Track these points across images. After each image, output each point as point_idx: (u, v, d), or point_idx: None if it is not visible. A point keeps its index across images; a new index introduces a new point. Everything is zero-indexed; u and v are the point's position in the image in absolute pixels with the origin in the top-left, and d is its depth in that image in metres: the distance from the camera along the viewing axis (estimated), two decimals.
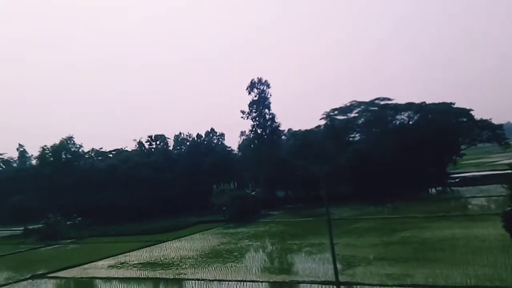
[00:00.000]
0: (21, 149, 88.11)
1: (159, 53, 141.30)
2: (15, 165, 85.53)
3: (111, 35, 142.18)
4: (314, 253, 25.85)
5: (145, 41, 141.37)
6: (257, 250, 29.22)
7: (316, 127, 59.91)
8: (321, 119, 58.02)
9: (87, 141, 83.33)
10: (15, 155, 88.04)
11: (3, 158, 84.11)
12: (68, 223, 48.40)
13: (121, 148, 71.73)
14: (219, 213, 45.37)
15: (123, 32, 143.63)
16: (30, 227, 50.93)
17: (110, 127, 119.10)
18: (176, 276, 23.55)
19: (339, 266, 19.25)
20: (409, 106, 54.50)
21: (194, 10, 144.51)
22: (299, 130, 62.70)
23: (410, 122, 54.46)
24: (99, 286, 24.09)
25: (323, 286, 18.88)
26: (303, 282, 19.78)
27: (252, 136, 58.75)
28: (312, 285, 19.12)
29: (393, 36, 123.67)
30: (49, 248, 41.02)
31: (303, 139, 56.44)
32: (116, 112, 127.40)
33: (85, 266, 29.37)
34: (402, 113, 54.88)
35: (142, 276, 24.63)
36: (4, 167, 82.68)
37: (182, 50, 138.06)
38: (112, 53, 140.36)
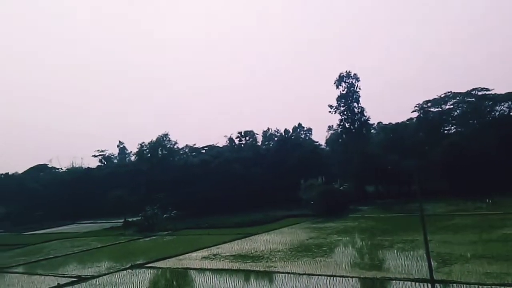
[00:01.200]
0: (121, 146, 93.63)
1: (245, 48, 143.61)
2: (115, 161, 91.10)
3: (199, 28, 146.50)
4: (406, 249, 25.07)
5: (229, 34, 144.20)
6: (346, 245, 28.90)
7: (408, 120, 57.92)
8: (413, 111, 55.99)
9: (182, 138, 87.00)
10: (115, 151, 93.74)
11: (104, 155, 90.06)
12: (164, 215, 50.87)
13: (213, 144, 74.12)
14: (306, 207, 45.38)
15: (207, 25, 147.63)
16: (130, 219, 54.22)
17: (203, 124, 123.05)
18: (266, 269, 23.92)
19: (433, 263, 18.53)
20: (510, 96, 50.92)
21: (281, 2, 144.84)
22: (389, 123, 60.97)
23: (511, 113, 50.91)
24: (193, 276, 25.02)
25: (417, 284, 18.25)
26: (396, 279, 19.21)
27: (340, 131, 58.12)
28: (405, 282, 18.56)
29: (487, 17, 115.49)
30: (147, 240, 43.35)
31: (394, 133, 54.81)
32: (207, 109, 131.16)
33: (180, 257, 30.64)
34: (502, 103, 51.42)
35: (234, 268, 25.28)
36: (106, 163, 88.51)
37: (269, 44, 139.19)
38: (198, 49, 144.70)
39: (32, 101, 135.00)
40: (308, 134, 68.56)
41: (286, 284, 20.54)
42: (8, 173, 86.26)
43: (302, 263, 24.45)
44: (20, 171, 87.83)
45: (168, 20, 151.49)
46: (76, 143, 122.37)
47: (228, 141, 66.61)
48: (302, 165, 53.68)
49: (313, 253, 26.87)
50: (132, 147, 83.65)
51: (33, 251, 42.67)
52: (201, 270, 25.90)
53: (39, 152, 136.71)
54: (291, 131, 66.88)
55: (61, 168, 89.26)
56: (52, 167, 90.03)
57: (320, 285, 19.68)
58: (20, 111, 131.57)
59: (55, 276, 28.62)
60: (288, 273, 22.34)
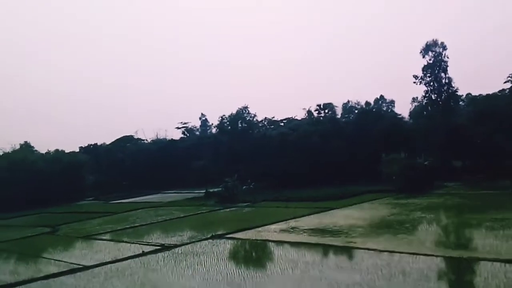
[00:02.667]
0: (203, 118, 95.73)
1: (323, 17, 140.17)
2: (197, 133, 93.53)
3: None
4: (496, 229, 23.50)
5: (305, 2, 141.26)
6: (430, 222, 27.59)
7: (500, 91, 53.83)
8: (505, 82, 51.86)
9: (261, 110, 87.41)
10: (197, 123, 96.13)
11: (187, 127, 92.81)
12: (243, 187, 51.65)
13: (291, 117, 73.72)
14: (388, 182, 43.96)
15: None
16: (211, 190, 55.62)
17: (281, 96, 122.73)
18: (346, 244, 23.46)
19: None
20: None
21: None
22: (480, 95, 57.12)
23: None
24: (272, 248, 25.16)
25: (507, 264, 16.99)
26: (484, 259, 18.03)
27: (425, 103, 55.33)
28: (494, 263, 17.36)
29: None
30: (227, 211, 44.24)
31: (484, 105, 51.25)
32: (285, 81, 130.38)
33: (259, 229, 30.87)
34: None
35: (312, 242, 25.05)
36: (188, 135, 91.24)
37: (349, 11, 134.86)
38: (274, 18, 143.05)
39: (119, 77, 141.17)
40: (390, 106, 66.02)
41: (366, 261, 20.00)
42: (96, 143, 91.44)
43: (383, 239, 23.72)
44: (107, 142, 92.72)
45: None
46: (161, 116, 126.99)
47: (306, 114, 65.81)
48: (383, 139, 51.88)
49: (394, 230, 25.99)
50: (214, 120, 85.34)
51: (119, 219, 45.02)
52: (280, 242, 25.94)
53: (127, 123, 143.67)
54: (372, 103, 64.89)
55: (146, 140, 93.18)
56: (138, 138, 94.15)
57: (402, 263, 18.95)
58: (109, 86, 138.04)
59: (140, 243, 29.96)
60: (368, 249, 21.74)
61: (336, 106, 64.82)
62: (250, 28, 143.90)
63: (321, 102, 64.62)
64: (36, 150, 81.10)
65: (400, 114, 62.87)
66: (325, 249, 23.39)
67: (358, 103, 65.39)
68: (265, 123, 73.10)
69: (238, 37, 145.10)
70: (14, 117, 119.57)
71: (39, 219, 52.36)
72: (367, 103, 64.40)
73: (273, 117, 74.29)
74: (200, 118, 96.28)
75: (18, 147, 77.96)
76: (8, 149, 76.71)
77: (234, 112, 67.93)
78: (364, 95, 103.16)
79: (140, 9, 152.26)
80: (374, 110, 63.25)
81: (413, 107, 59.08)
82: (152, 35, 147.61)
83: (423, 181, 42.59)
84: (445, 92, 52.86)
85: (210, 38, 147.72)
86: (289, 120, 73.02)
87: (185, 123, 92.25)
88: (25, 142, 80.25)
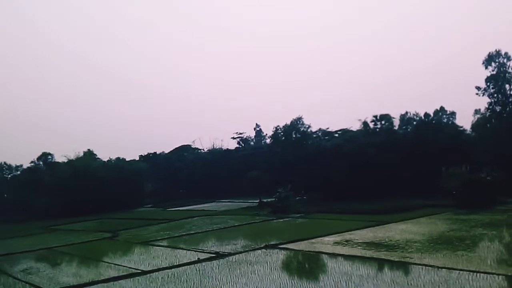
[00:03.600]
0: (257, 129, 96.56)
1: (378, 27, 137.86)
2: (252, 143, 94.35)
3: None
4: None
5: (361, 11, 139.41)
6: (492, 239, 26.50)
7: None
8: None
9: (315, 121, 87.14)
10: (252, 134, 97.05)
11: (242, 137, 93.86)
12: (296, 198, 51.55)
13: (347, 128, 72.87)
14: (447, 197, 42.55)
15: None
16: (264, 200, 55.91)
17: (336, 107, 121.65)
18: (402, 259, 22.95)
19: None
20: None
21: None
22: None
23: None
24: (325, 261, 24.96)
25: None
26: None
27: (489, 115, 53.40)
28: None
29: None
30: (280, 221, 44.30)
31: None
32: (341, 91, 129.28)
33: (312, 240, 30.68)
34: None
35: (367, 255, 24.67)
36: (243, 145, 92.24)
37: (408, 21, 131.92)
38: (327, 34, 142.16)
39: (180, 88, 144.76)
40: (451, 118, 63.63)
41: (423, 277, 19.47)
42: (156, 152, 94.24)
43: (442, 256, 23.00)
44: (166, 151, 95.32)
45: None
46: (217, 126, 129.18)
47: (362, 125, 64.80)
48: (443, 152, 50.30)
49: (454, 246, 25.12)
50: (268, 130, 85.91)
51: (176, 226, 46.15)
52: (333, 255, 25.72)
53: (185, 133, 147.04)
54: (432, 114, 62.83)
55: (203, 149, 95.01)
56: (195, 148, 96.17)
57: (461, 280, 18.32)
58: (169, 97, 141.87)
59: (195, 251, 30.59)
60: (426, 265, 21.15)
61: (394, 118, 63.46)
62: (304, 39, 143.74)
63: (378, 113, 63.59)
64: (98, 158, 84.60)
65: (461, 127, 60.71)
66: (380, 263, 22.97)
67: (416, 115, 63.70)
68: (320, 134, 72.61)
69: (292, 47, 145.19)
70: (78, 125, 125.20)
71: (100, 225, 54.55)
72: (427, 115, 62.52)
73: (328, 128, 73.70)
74: (254, 129, 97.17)
75: (81, 154, 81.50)
76: (72, 156, 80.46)
77: (288, 122, 68.12)
78: (423, 106, 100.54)
79: (202, 20, 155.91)
80: (434, 121, 61.33)
81: (476, 119, 56.89)
82: (214, 45, 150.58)
83: (486, 196, 40.91)
84: (510, 104, 50.88)
85: (264, 49, 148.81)
86: (344, 131, 72.15)
87: (240, 133, 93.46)
88: (88, 149, 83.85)
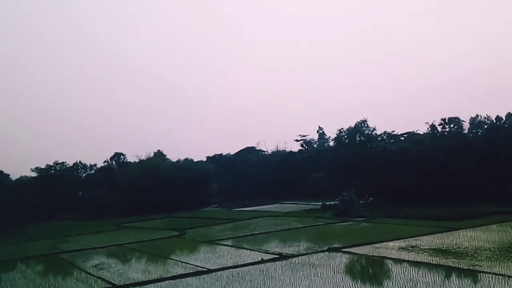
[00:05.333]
0: (321, 131, 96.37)
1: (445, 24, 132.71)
2: (315, 145, 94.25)
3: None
4: None
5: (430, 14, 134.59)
6: None
7: None
8: None
9: (380, 124, 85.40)
10: (315, 136, 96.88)
11: (305, 139, 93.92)
12: (360, 202, 51.14)
13: (413, 131, 71.24)
14: None
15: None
16: (327, 202, 55.86)
17: (403, 109, 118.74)
18: (470, 267, 22.50)
19: None
20: None
21: None
22: None
23: None
24: (390, 266, 24.86)
25: None
26: None
27: None
28: None
29: None
30: (343, 224, 44.21)
31: None
32: (407, 93, 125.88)
33: (376, 245, 30.56)
34: None
35: (433, 262, 24.35)
36: (306, 147, 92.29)
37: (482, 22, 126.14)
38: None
39: (246, 91, 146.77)
40: None
41: (493, 286, 19.11)
42: (222, 153, 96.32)
43: None
44: (232, 152, 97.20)
45: None
46: (281, 128, 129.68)
47: (429, 128, 63.15)
48: None
49: None
50: (331, 133, 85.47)
51: (240, 226, 47.23)
52: (398, 260, 25.56)
53: (250, 135, 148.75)
54: (504, 118, 60.18)
55: (267, 151, 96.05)
56: (259, 149, 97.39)
57: None
58: (236, 99, 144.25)
59: (259, 251, 31.36)
60: (496, 274, 20.66)
61: (463, 121, 61.43)
62: (370, 41, 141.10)
63: (446, 116, 61.77)
64: (168, 158, 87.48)
65: None
66: (448, 270, 22.63)
67: (488, 118, 61.28)
68: (385, 137, 71.46)
69: (359, 50, 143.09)
70: (149, 127, 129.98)
71: (169, 223, 56.71)
72: (498, 118, 59.96)
73: (393, 131, 72.37)
74: (317, 131, 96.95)
75: (152, 155, 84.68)
76: (143, 156, 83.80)
77: (353, 125, 67.54)
78: (495, 110, 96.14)
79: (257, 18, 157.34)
80: (506, 125, 58.70)
81: None
82: (274, 55, 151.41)
83: None
84: None
85: (330, 51, 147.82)
86: (410, 135, 70.56)
87: (303, 136, 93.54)
88: (158, 150, 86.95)
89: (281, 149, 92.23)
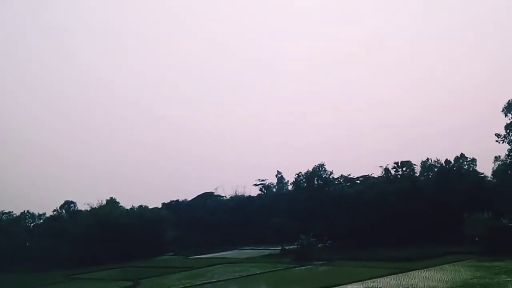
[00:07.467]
0: (279, 176, 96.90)
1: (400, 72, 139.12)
2: (274, 190, 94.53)
3: None
4: None
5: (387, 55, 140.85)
6: None
7: None
8: None
9: (337, 168, 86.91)
10: (274, 180, 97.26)
11: (264, 184, 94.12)
12: (319, 245, 51.40)
13: (368, 175, 72.98)
14: (470, 244, 42.10)
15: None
16: (287, 247, 55.78)
17: (358, 153, 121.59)
18: None
19: None
20: None
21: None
22: None
23: None
24: None
25: None
26: None
27: (509, 161, 53.26)
28: None
29: None
30: (302, 268, 44.19)
31: None
32: (361, 140, 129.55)
33: None
34: None
35: None
36: (265, 191, 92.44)
37: (425, 69, 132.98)
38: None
39: (202, 136, 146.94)
40: (472, 165, 63.37)
41: None
42: (178, 199, 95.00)
43: None
44: (189, 198, 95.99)
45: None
46: (240, 173, 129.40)
47: (383, 172, 65.03)
48: (465, 198, 50.13)
49: None
50: (290, 177, 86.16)
51: (198, 274, 46.29)
52: None
53: (208, 180, 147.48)
54: (453, 161, 62.79)
55: (225, 196, 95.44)
56: (217, 195, 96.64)
57: None
58: (192, 144, 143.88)
59: None
60: None
61: (415, 164, 63.59)
62: (324, 86, 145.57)
63: (399, 160, 63.83)
64: (121, 206, 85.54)
65: (482, 173, 60.39)
66: None
67: (438, 161, 63.71)
68: (341, 180, 72.87)
69: (313, 92, 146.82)
70: (100, 174, 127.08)
71: (122, 273, 54.90)
72: (447, 161, 62.46)
73: (349, 175, 73.94)
74: (276, 176, 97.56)
75: (104, 202, 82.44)
76: (95, 204, 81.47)
77: (310, 169, 68.64)
78: (444, 153, 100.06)
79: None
80: (455, 168, 61.16)
81: (496, 166, 56.64)
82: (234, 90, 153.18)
83: (509, 243, 40.30)
84: None
85: (286, 97, 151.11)
86: (366, 178, 72.23)
87: (262, 180, 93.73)
88: (111, 197, 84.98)
89: (239, 194, 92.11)
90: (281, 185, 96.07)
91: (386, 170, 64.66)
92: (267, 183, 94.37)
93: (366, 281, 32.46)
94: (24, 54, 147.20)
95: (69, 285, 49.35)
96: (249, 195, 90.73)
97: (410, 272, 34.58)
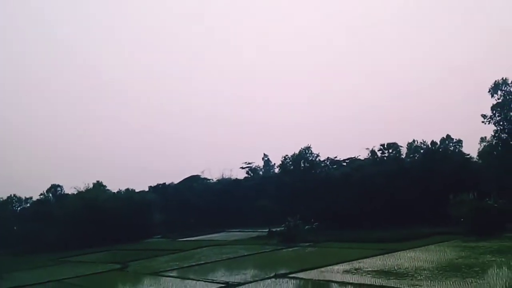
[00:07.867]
0: (266, 159, 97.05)
1: (388, 56, 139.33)
2: (261, 173, 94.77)
3: None
4: None
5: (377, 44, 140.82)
6: (501, 266, 26.50)
7: None
8: None
9: (323, 150, 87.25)
10: (261, 163, 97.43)
11: (251, 167, 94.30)
12: (306, 227, 51.68)
13: (354, 157, 73.36)
14: (455, 224, 42.58)
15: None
16: (274, 229, 56.01)
17: (344, 136, 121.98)
18: (411, 287, 23.17)
19: None
20: None
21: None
22: None
23: None
24: None
25: None
26: None
27: (495, 142, 53.79)
28: None
29: None
30: (289, 250, 44.41)
31: None
32: (349, 121, 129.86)
33: (322, 269, 30.87)
34: None
35: (376, 283, 24.88)
36: (252, 174, 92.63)
37: (415, 55, 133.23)
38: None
39: (189, 119, 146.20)
40: (457, 146, 63.85)
41: None
42: (165, 183, 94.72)
43: (451, 283, 23.17)
44: (176, 182, 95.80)
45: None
46: (227, 156, 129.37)
47: (370, 154, 65.34)
48: (451, 179, 50.61)
49: (462, 274, 25.26)
50: (276, 160, 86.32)
51: (186, 256, 46.32)
52: (343, 283, 25.93)
53: (194, 163, 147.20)
54: (438, 143, 63.22)
55: (212, 179, 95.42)
56: (204, 178, 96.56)
57: None
58: (180, 126, 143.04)
59: (205, 281, 30.86)
60: None
61: (401, 146, 63.95)
62: (313, 66, 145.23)
63: (385, 142, 64.13)
64: (108, 189, 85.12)
65: (468, 154, 60.96)
66: None
67: (424, 143, 64.12)
68: (328, 163, 73.18)
69: (299, 75, 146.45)
70: (87, 157, 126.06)
71: (110, 256, 54.78)
72: (433, 143, 62.86)
73: (336, 157, 74.31)
74: (263, 159, 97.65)
75: (91, 186, 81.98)
76: (82, 188, 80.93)
77: (297, 152, 68.70)
78: (430, 135, 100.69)
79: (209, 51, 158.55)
80: (440, 150, 61.67)
81: (482, 147, 57.21)
82: (220, 77, 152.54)
83: (494, 223, 40.89)
84: None
85: (273, 80, 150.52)
86: (352, 160, 72.67)
87: (249, 163, 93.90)
88: (98, 181, 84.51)
89: (226, 177, 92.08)
90: (267, 168, 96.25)
91: (373, 152, 64.99)
92: (253, 166, 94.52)
93: (353, 261, 32.61)
94: None
95: (57, 268, 49.01)
96: (236, 178, 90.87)
97: (396, 253, 34.81)
